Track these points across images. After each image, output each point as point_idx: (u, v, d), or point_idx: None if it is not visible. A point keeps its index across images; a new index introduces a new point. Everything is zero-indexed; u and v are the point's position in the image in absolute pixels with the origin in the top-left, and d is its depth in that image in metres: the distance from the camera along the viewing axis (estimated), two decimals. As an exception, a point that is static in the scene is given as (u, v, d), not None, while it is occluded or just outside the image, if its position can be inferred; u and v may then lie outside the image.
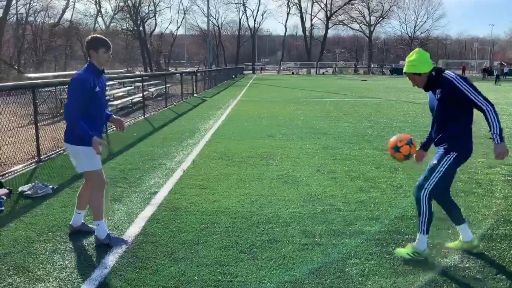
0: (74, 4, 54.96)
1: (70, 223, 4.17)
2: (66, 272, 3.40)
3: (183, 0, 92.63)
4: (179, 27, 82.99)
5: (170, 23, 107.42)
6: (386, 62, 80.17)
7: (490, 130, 3.34)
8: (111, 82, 15.51)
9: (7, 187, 5.34)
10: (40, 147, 7.11)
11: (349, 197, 5.25)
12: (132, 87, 19.76)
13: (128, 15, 56.85)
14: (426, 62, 3.48)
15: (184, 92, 20.10)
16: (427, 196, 3.51)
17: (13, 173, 6.25)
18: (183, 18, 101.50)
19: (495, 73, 37.98)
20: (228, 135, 9.82)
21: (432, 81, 3.48)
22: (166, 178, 6.07)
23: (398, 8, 79.54)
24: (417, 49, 3.64)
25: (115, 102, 14.24)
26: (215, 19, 78.23)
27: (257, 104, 17.36)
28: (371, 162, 7.06)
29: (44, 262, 3.55)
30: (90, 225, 4.20)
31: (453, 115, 3.45)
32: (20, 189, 5.34)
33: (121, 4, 56.06)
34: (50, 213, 4.66)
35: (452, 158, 3.46)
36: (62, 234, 4.11)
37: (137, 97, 16.57)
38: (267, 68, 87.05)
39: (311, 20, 79.31)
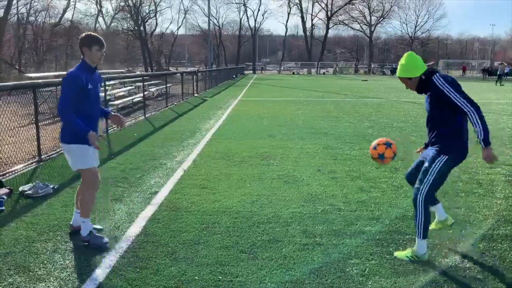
0: (75, 4, 55.04)
1: (71, 222, 4.17)
2: (66, 271, 3.40)
3: (183, 0, 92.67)
4: (179, 27, 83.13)
5: (170, 23, 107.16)
6: (387, 62, 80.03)
7: (476, 133, 3.33)
8: (112, 82, 15.53)
9: (8, 187, 5.35)
10: (41, 146, 7.11)
11: (350, 197, 5.25)
12: (133, 87, 19.76)
13: (128, 15, 56.86)
14: (416, 66, 3.53)
15: (185, 92, 20.11)
16: (422, 199, 3.52)
17: (13, 172, 6.26)
18: (184, 18, 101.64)
19: (497, 73, 37.83)
20: (228, 135, 9.83)
21: (423, 84, 3.52)
22: (166, 178, 6.07)
23: (399, 8, 79.47)
24: (408, 52, 3.69)
25: (116, 102, 14.25)
26: (216, 19, 78.36)
27: (257, 104, 17.36)
28: (371, 162, 7.05)
29: (45, 261, 3.56)
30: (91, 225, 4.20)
31: (443, 117, 3.46)
32: (20, 188, 5.34)
33: (122, 4, 56.13)
34: (51, 212, 4.67)
35: (443, 161, 3.46)
36: (62, 233, 4.11)
37: (138, 97, 16.57)
38: (267, 68, 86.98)
39: (312, 20, 79.29)
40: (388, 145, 3.90)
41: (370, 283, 3.24)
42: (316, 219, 4.51)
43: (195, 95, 22.22)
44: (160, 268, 3.44)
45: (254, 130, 10.46)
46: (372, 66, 76.25)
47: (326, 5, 76.09)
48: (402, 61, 3.60)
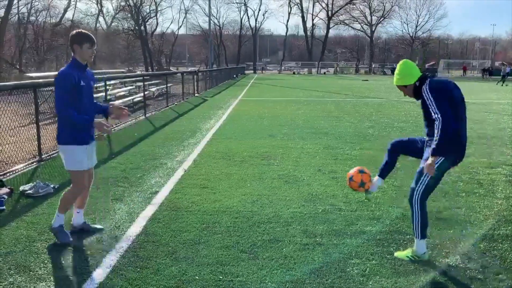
0: (76, 4, 54.87)
1: (71, 222, 4.17)
2: (67, 271, 3.40)
3: (184, 0, 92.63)
4: (180, 26, 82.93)
5: (171, 22, 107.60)
6: (388, 62, 79.92)
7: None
8: (112, 82, 15.53)
9: (9, 186, 5.35)
10: (42, 146, 7.11)
11: (350, 197, 5.25)
12: (133, 87, 19.77)
13: (129, 15, 56.82)
14: (410, 74, 3.61)
15: (185, 92, 20.11)
16: (418, 199, 3.54)
17: (14, 172, 6.26)
18: (185, 17, 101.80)
19: (501, 74, 37.63)
20: (229, 134, 9.83)
21: (417, 90, 3.60)
22: (167, 178, 6.07)
23: (400, 8, 79.27)
24: (402, 60, 3.80)
25: (117, 102, 14.23)
26: (217, 18, 78.19)
27: (258, 104, 17.36)
28: (372, 162, 7.03)
29: (45, 261, 3.56)
30: (92, 225, 4.21)
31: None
32: (21, 188, 5.35)
33: (123, 3, 56.11)
34: (51, 212, 4.65)
35: (439, 162, 3.47)
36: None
37: (138, 97, 16.56)
38: (268, 68, 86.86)
39: (313, 19, 79.15)
40: (361, 172, 4.06)
41: (370, 283, 3.24)
42: (317, 219, 4.50)
43: (196, 95, 22.22)
44: (160, 267, 3.44)
45: (254, 130, 10.46)
46: (373, 66, 76.19)
47: (327, 4, 76.01)
48: (397, 69, 3.71)
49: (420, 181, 3.53)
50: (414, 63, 3.76)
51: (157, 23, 65.20)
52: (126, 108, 4.19)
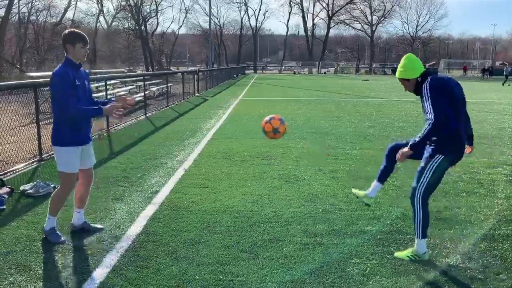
0: (76, 3, 54.84)
1: (71, 222, 4.17)
2: (67, 271, 3.40)
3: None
4: (180, 26, 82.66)
5: (172, 22, 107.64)
6: (388, 61, 79.88)
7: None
8: (113, 81, 15.53)
9: (9, 186, 5.35)
10: (42, 146, 7.11)
11: (351, 197, 5.24)
12: (134, 86, 19.78)
13: (130, 14, 56.83)
14: (414, 68, 3.61)
15: (186, 92, 20.10)
16: (420, 198, 3.54)
17: (14, 172, 6.26)
18: (185, 17, 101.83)
19: (504, 74, 37.40)
20: (229, 134, 9.83)
21: (419, 86, 3.59)
22: (167, 177, 6.07)
23: (400, 8, 79.26)
24: (407, 54, 3.80)
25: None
26: (217, 18, 78.18)
27: (258, 104, 17.36)
28: (372, 162, 7.04)
29: (46, 261, 3.56)
30: (92, 224, 4.21)
31: None
32: (21, 188, 5.35)
33: (123, 3, 56.10)
34: (52, 212, 4.66)
35: (438, 161, 3.49)
36: (63, 233, 4.11)
37: (139, 97, 16.55)
38: (268, 67, 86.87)
39: (313, 19, 79.15)
40: (282, 121, 4.25)
41: (371, 282, 3.24)
42: (317, 219, 4.50)
43: (196, 94, 22.22)
44: (160, 267, 3.44)
45: (255, 130, 10.45)
46: (373, 65, 76.17)
47: (327, 4, 76.01)
48: (401, 62, 3.70)
49: (422, 180, 3.53)
50: (418, 58, 3.75)
51: (158, 23, 65.18)
52: (132, 98, 4.11)
